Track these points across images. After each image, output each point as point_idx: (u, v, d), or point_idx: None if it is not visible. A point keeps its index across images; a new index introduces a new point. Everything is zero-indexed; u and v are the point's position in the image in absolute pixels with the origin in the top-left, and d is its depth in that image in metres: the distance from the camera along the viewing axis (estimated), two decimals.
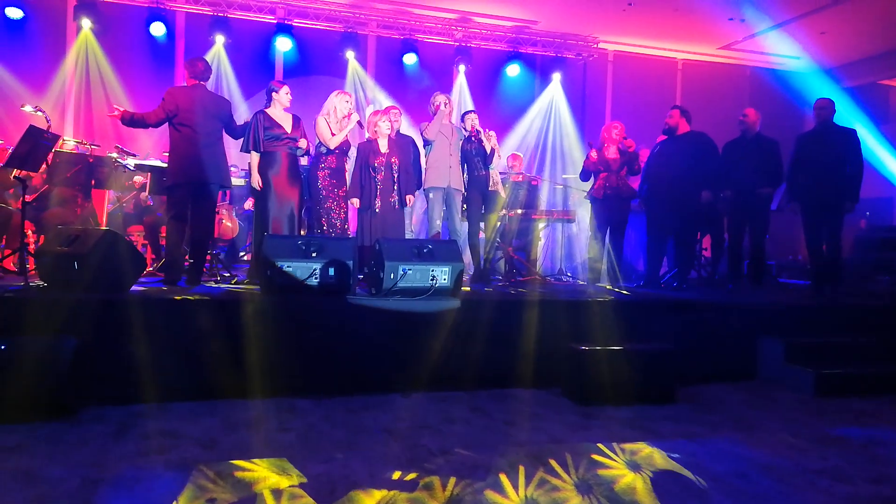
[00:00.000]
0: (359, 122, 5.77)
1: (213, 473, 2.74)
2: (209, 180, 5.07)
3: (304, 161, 5.96)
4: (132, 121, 5.02)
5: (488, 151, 6.11)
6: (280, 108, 5.46)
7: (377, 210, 5.73)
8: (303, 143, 5.47)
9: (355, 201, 5.78)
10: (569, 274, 7.44)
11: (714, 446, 3.35)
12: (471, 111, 6.38)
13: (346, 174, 5.88)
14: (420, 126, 6.19)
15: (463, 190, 6.11)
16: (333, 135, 5.62)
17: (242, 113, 8.62)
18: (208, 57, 8.56)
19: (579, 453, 3.16)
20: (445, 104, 6.13)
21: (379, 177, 5.76)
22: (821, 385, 4.49)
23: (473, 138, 6.14)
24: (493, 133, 6.25)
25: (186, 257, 5.23)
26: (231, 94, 8.74)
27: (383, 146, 5.84)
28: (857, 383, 4.59)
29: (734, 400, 4.35)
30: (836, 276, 5.97)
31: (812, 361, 4.67)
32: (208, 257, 5.65)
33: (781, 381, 4.73)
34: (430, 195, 6.05)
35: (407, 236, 6.23)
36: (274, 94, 5.46)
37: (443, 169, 6.00)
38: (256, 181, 5.34)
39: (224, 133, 5.34)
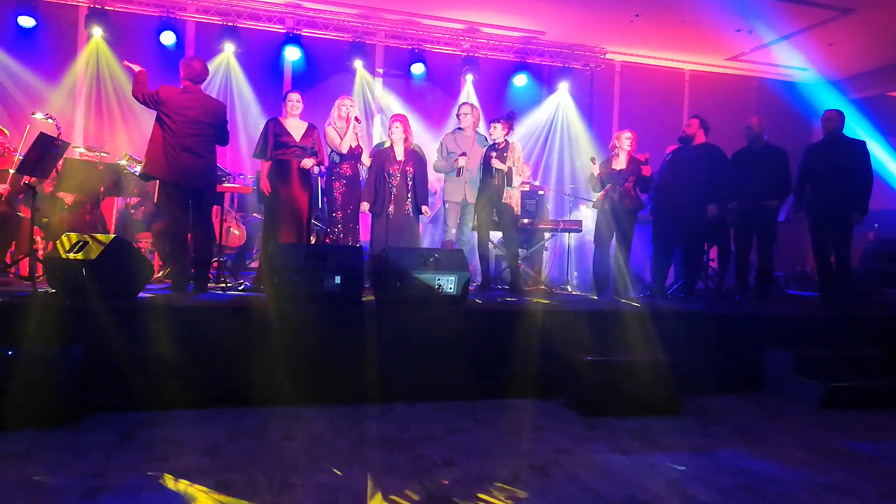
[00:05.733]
0: (356, 119, 5.74)
1: (216, 482, 2.74)
2: (192, 185, 4.94)
3: (315, 169, 5.97)
4: (136, 79, 4.90)
5: (506, 169, 5.90)
6: (293, 117, 5.50)
7: (390, 217, 5.76)
8: (306, 163, 5.40)
9: (365, 205, 5.80)
10: (575, 284, 7.42)
11: (720, 459, 3.32)
12: (499, 119, 6.04)
13: (361, 181, 5.93)
14: (438, 151, 6.31)
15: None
16: (342, 139, 5.67)
17: (251, 120, 8.69)
18: (219, 66, 8.62)
19: (583, 464, 3.14)
20: (467, 115, 6.25)
21: (394, 182, 5.80)
22: (829, 398, 4.45)
23: (499, 148, 6.00)
24: (517, 146, 6.08)
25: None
26: (245, 103, 8.78)
27: (399, 153, 5.88)
28: (866, 396, 4.55)
29: (741, 412, 4.32)
30: (845, 288, 5.93)
31: (820, 374, 4.63)
32: (215, 264, 5.67)
33: (789, 394, 4.70)
34: (447, 205, 6.14)
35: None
36: (285, 102, 5.55)
37: (459, 182, 6.06)
38: (266, 187, 5.39)
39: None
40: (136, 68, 4.99)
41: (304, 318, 4.11)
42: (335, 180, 5.73)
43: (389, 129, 5.98)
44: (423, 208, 5.92)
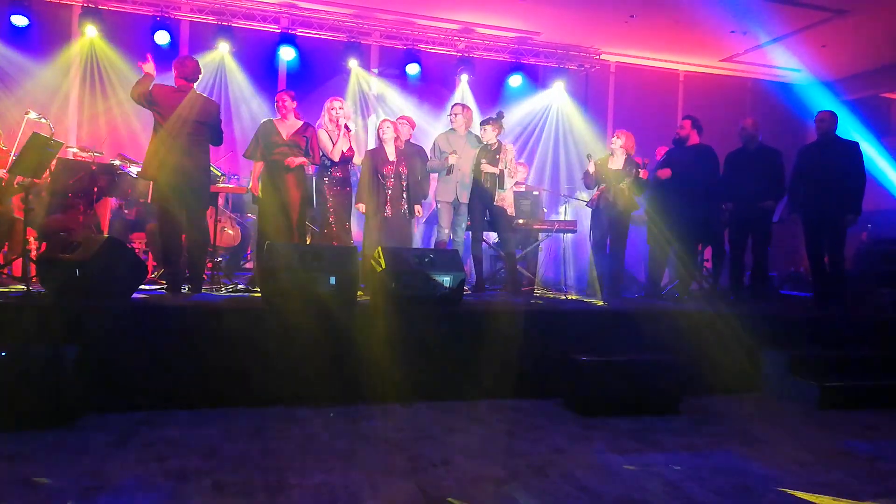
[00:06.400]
0: (346, 127, 5.68)
1: (212, 482, 2.72)
2: (185, 185, 4.90)
3: (309, 169, 5.95)
4: (141, 81, 4.87)
5: (498, 172, 5.90)
6: (286, 117, 5.48)
7: (387, 218, 5.76)
8: (292, 161, 5.30)
9: (361, 206, 5.81)
10: (570, 284, 7.42)
11: (717, 459, 3.33)
12: (489, 121, 6.04)
13: (353, 182, 5.91)
14: (431, 151, 6.26)
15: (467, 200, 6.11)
16: (334, 145, 5.65)
17: (245, 121, 8.65)
18: (214, 66, 8.58)
19: (580, 464, 3.14)
20: (458, 115, 6.18)
21: (389, 184, 5.79)
22: (825, 398, 4.46)
23: (491, 149, 5.99)
24: (510, 147, 6.10)
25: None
26: (239, 103, 8.74)
27: (391, 153, 5.87)
28: (862, 397, 4.57)
29: (737, 412, 4.33)
30: (839, 288, 5.95)
31: (816, 374, 4.64)
32: (209, 265, 5.64)
33: (785, 394, 4.71)
34: (439, 206, 6.13)
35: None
36: (276, 102, 5.52)
37: (451, 183, 6.04)
38: (255, 188, 5.41)
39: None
40: (150, 70, 4.92)
41: (300, 319, 4.09)
42: (327, 182, 5.71)
43: (379, 128, 5.96)
44: (416, 208, 5.92)
